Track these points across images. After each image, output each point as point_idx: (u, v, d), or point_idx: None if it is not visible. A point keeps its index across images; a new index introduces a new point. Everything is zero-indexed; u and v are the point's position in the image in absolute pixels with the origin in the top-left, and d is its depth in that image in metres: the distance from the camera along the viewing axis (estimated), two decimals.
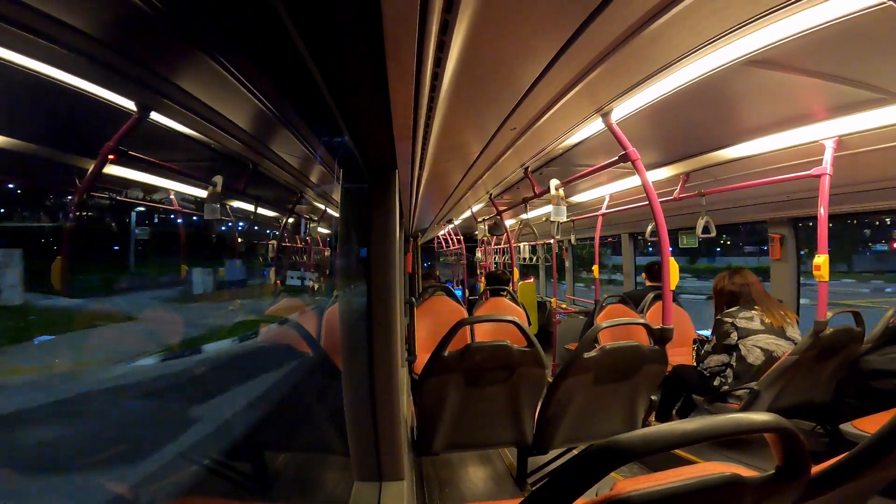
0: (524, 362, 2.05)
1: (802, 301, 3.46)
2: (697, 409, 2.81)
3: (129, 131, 0.75)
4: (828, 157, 2.16)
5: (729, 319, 2.68)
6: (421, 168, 1.98)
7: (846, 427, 2.14)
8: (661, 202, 2.16)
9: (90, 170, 0.71)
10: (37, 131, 0.63)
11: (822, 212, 2.21)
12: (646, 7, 1.03)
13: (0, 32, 0.52)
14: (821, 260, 2.20)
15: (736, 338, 2.63)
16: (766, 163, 2.51)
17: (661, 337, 2.12)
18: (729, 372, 2.64)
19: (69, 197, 0.70)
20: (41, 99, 0.65)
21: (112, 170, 0.75)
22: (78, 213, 0.69)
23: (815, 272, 2.23)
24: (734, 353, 2.64)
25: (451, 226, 8.41)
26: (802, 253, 3.40)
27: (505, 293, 4.47)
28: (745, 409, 2.44)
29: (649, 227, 3.65)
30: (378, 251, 1.44)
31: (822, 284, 2.22)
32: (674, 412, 2.98)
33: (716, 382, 2.68)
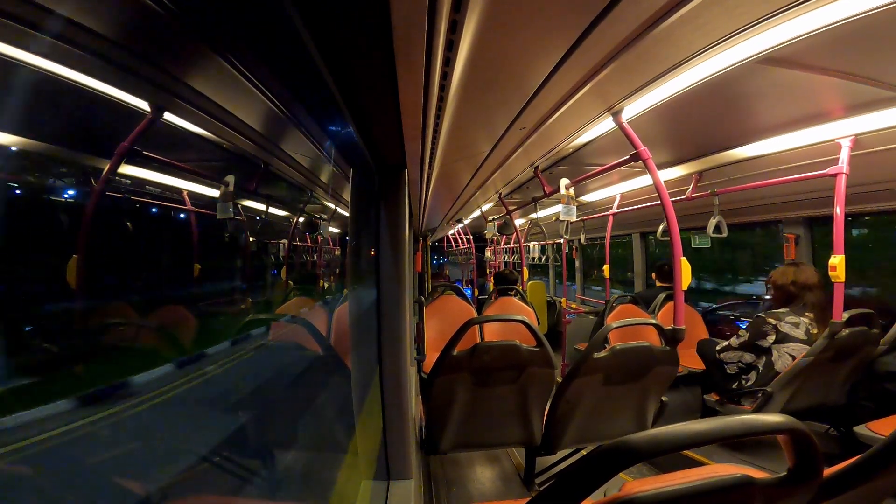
0: (533, 362, 2.05)
1: None
2: (709, 410, 2.78)
3: (143, 131, 0.76)
4: (844, 156, 2.13)
5: (772, 320, 2.51)
6: (430, 167, 1.98)
7: (860, 429, 2.11)
8: (672, 202, 2.14)
9: (105, 169, 0.72)
10: (53, 131, 0.65)
11: (839, 212, 2.18)
12: (657, 5, 1.02)
13: (16, 33, 0.53)
14: (836, 261, 2.17)
15: (772, 341, 2.48)
16: (781, 162, 2.48)
17: (672, 338, 2.11)
18: (753, 375, 2.56)
19: (86, 195, 0.71)
20: (58, 100, 0.66)
21: (127, 169, 0.77)
22: (96, 212, 0.71)
23: (830, 273, 2.20)
24: (763, 357, 2.52)
25: (460, 225, 8.41)
26: None
27: (514, 293, 4.46)
28: (757, 410, 2.41)
29: (661, 227, 3.62)
30: (388, 250, 1.45)
31: (838, 285, 2.19)
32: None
33: (733, 385, 2.63)
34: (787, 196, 3.09)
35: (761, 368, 2.52)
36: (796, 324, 2.49)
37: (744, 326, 2.72)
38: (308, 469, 1.27)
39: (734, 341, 2.66)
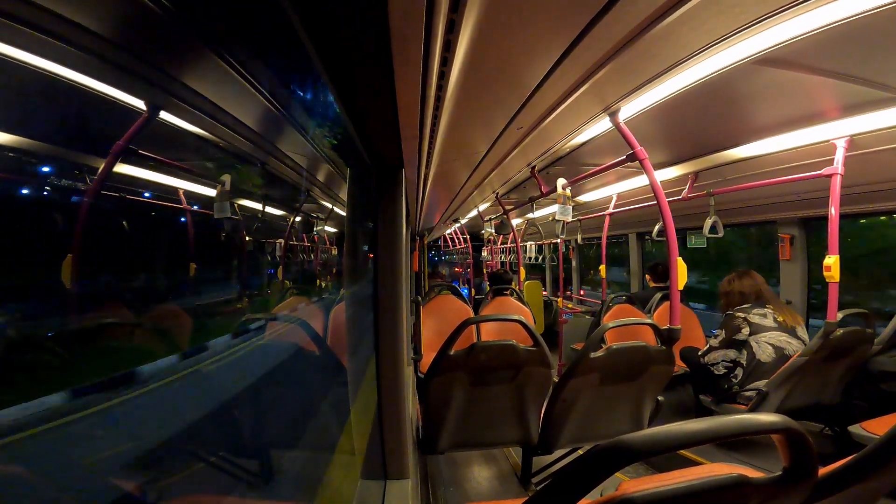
0: (530, 362, 2.05)
1: None
2: (704, 410, 2.80)
3: (139, 130, 0.76)
4: (839, 156, 2.14)
5: (741, 314, 2.68)
6: (427, 167, 1.98)
7: (855, 429, 2.12)
8: (669, 202, 2.15)
9: (101, 168, 0.71)
10: (48, 131, 0.64)
11: (833, 212, 2.19)
12: (654, 6, 1.02)
13: (11, 32, 0.52)
14: (831, 261, 2.18)
15: (747, 333, 2.62)
16: (776, 162, 2.49)
17: (668, 337, 2.11)
18: (739, 371, 2.63)
19: (82, 195, 0.71)
20: (53, 98, 0.66)
21: (123, 168, 0.76)
22: (92, 212, 0.70)
23: (825, 273, 2.21)
24: (744, 351, 2.63)
25: (457, 225, 8.42)
26: None
27: (511, 292, 4.47)
28: (752, 410, 2.42)
29: (657, 227, 3.64)
30: (385, 250, 1.45)
31: (833, 285, 2.20)
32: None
33: (724, 385, 2.67)
34: (783, 196, 3.11)
35: (745, 363, 2.62)
36: (763, 314, 2.66)
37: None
38: (305, 468, 1.26)
39: (714, 342, 2.77)
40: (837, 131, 2.04)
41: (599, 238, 4.97)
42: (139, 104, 0.76)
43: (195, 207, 1.10)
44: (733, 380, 2.64)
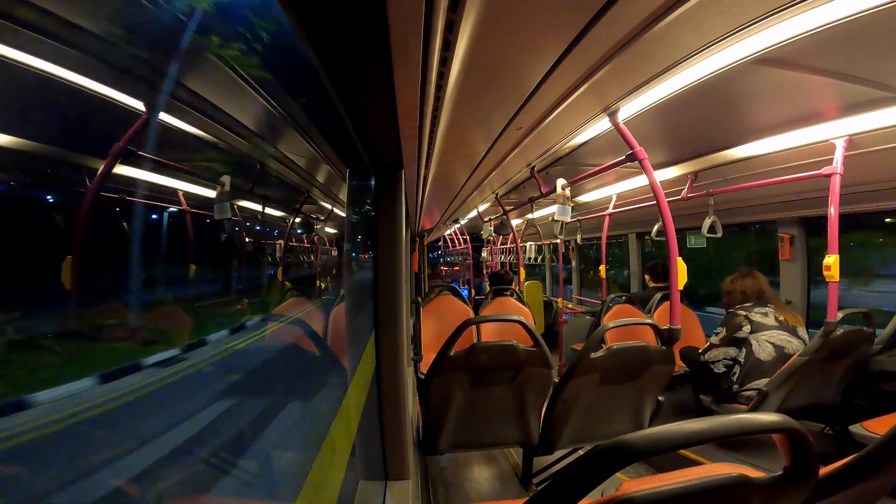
0: (530, 362, 2.05)
1: None
2: (705, 410, 2.80)
3: (138, 131, 0.76)
4: (838, 156, 2.14)
5: (743, 312, 2.70)
6: (427, 167, 1.98)
7: (855, 428, 2.12)
8: (668, 202, 2.15)
9: (100, 170, 0.71)
10: (47, 132, 0.64)
11: (833, 212, 2.19)
12: (653, 6, 1.02)
13: (11, 33, 0.52)
14: (831, 260, 2.18)
15: (748, 331, 2.63)
16: (776, 162, 2.49)
17: (668, 337, 2.11)
18: (737, 369, 2.63)
19: (81, 196, 0.70)
20: (53, 100, 0.66)
21: (122, 170, 0.76)
22: (91, 213, 0.70)
23: (825, 272, 2.21)
24: (743, 349, 2.64)
25: (457, 225, 8.41)
26: None
27: (511, 293, 4.46)
28: (753, 410, 2.42)
29: (655, 227, 3.64)
30: (384, 250, 1.45)
31: (833, 285, 2.20)
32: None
33: (724, 385, 2.67)
34: (782, 196, 3.11)
35: (743, 360, 2.63)
36: (764, 313, 2.68)
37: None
38: (305, 469, 1.26)
39: (715, 339, 2.78)
40: (836, 131, 2.04)
41: (599, 238, 4.97)
42: (139, 105, 0.76)
43: (195, 209, 1.10)
44: (733, 378, 2.64)
